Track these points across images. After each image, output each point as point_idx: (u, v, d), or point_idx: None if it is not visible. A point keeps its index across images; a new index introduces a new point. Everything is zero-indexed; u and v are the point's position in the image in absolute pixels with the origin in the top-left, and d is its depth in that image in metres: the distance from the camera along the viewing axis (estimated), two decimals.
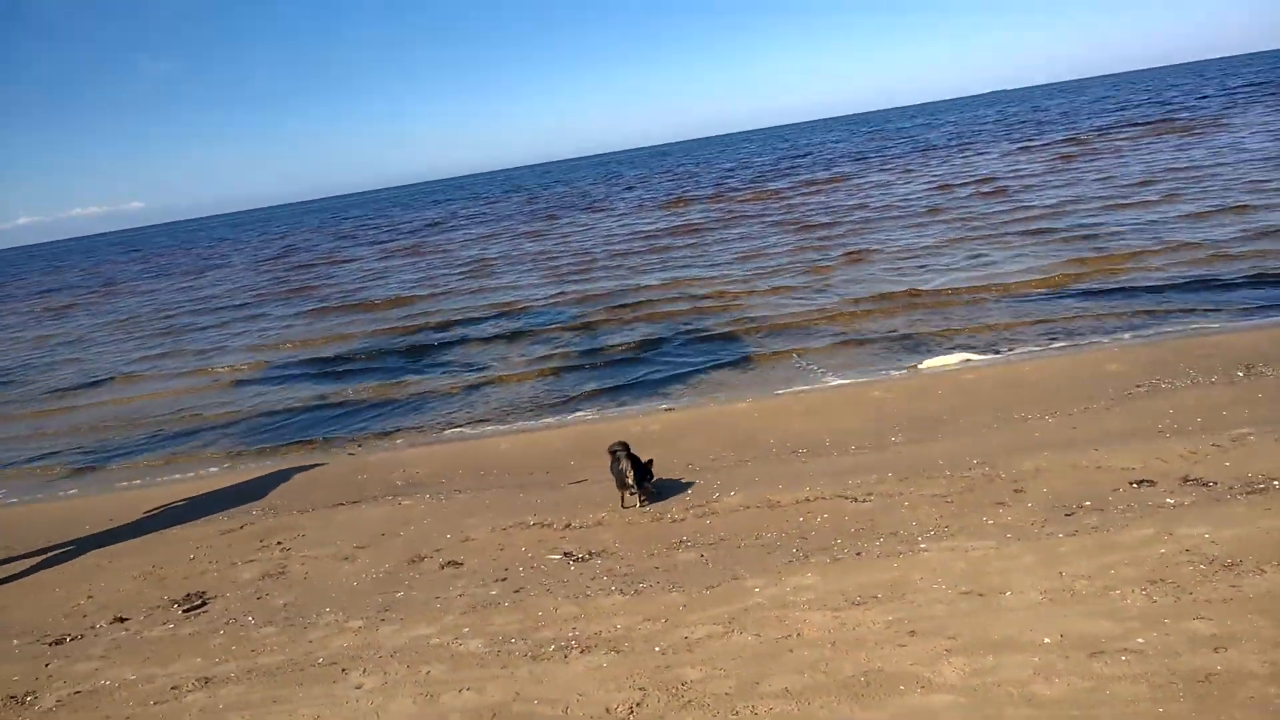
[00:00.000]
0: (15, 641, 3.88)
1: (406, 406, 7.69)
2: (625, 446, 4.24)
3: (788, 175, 30.71)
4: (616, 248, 16.74)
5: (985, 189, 17.32)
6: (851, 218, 15.92)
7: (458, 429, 6.83)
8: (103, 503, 6.21)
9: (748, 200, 23.82)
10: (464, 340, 10.15)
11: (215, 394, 9.46)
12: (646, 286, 11.59)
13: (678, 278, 11.92)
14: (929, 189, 19.20)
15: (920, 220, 14.48)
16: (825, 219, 16.30)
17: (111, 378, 11.34)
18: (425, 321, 11.69)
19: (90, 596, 4.32)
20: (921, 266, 10.46)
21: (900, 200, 17.83)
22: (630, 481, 4.24)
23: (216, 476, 6.45)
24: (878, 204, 17.75)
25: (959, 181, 19.66)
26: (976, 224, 13.14)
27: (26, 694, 3.31)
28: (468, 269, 16.90)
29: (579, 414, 6.61)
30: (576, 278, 13.56)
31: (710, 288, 10.90)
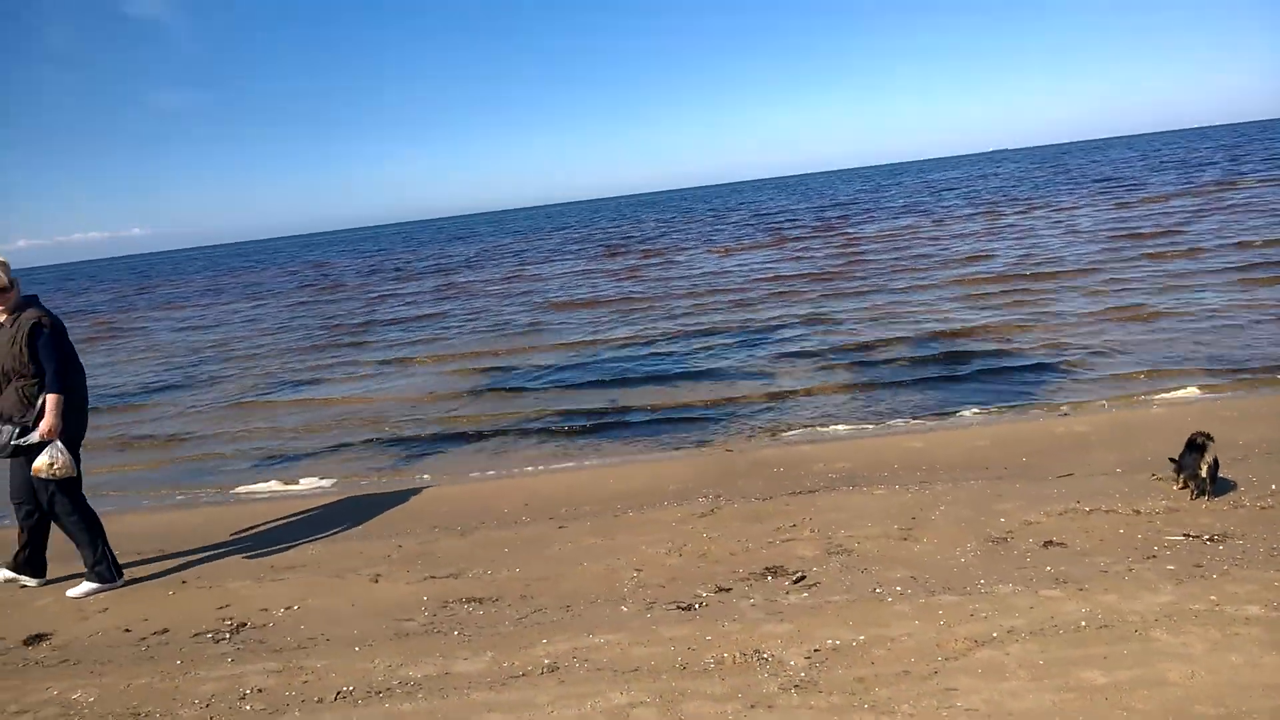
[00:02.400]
0: (625, 609, 3.73)
1: (720, 411, 7.59)
2: (1210, 438, 4.21)
3: (860, 221, 30.76)
4: (775, 286, 15.62)
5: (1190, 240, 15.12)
6: (1031, 266, 14.17)
7: (804, 429, 6.75)
8: (467, 489, 6.08)
9: (860, 242, 22.61)
10: (711, 356, 10.03)
11: (460, 398, 9.31)
12: (865, 317, 11.48)
13: (896, 310, 11.61)
14: (1111, 239, 16.67)
15: (1165, 272, 12.50)
16: (992, 268, 14.54)
17: (316, 380, 11.22)
18: (634, 338, 11.61)
19: (639, 570, 4.18)
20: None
21: (1070, 247, 16.02)
22: (1205, 475, 4.21)
23: (590, 468, 6.31)
24: (1032, 253, 15.91)
25: (1143, 230, 17.31)
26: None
27: (754, 651, 3.17)
28: (603, 304, 16.16)
29: (967, 415, 6.55)
30: (760, 306, 13.32)
31: (952, 322, 10.40)
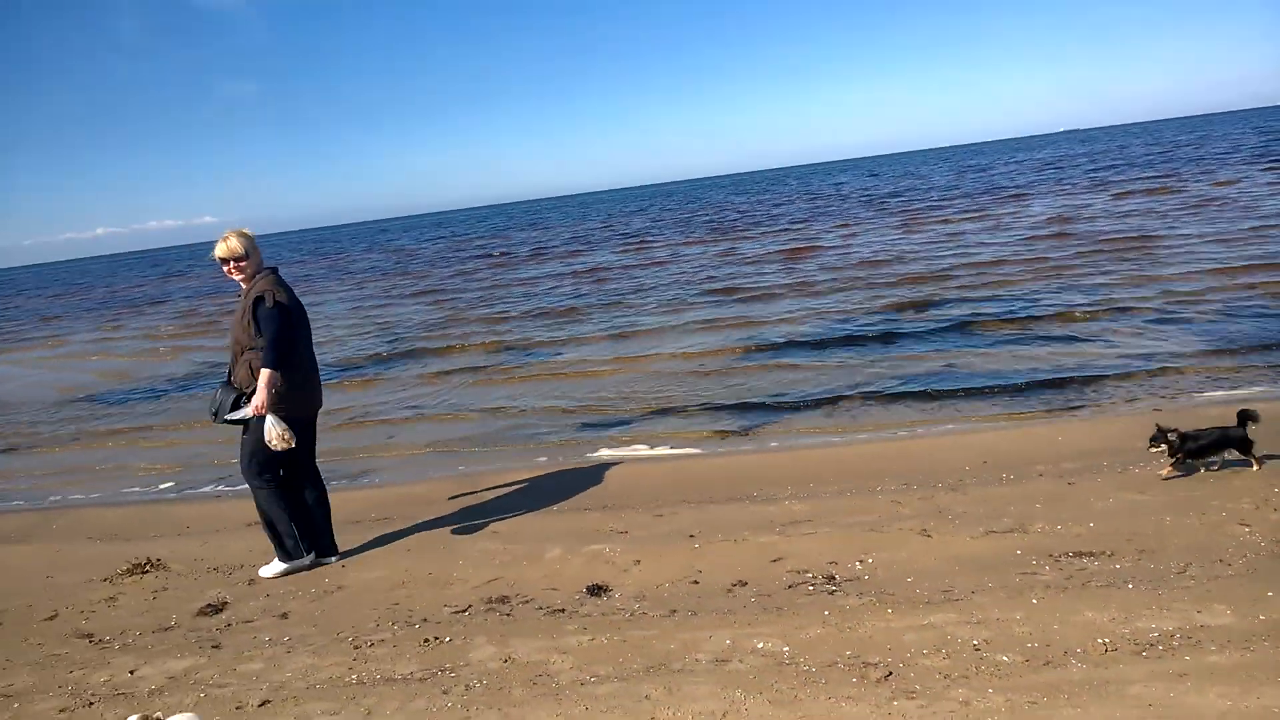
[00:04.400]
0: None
1: (1078, 375, 7.03)
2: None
3: (1008, 199, 27.56)
4: (983, 273, 13.55)
5: None
6: None
7: (1204, 392, 6.27)
8: (886, 448, 5.76)
9: (1048, 223, 18.81)
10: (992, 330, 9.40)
11: (741, 368, 8.98)
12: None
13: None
14: None
15: None
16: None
17: (555, 353, 11.09)
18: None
19: (1245, 525, 3.78)
20: None
21: None
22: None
23: (1020, 428, 5.92)
24: None
25: None
26: None
27: None
28: (799, 290, 14.21)
29: None
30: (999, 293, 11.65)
31: None
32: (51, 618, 4.37)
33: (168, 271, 58.54)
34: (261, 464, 4.45)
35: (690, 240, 27.74)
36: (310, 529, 4.65)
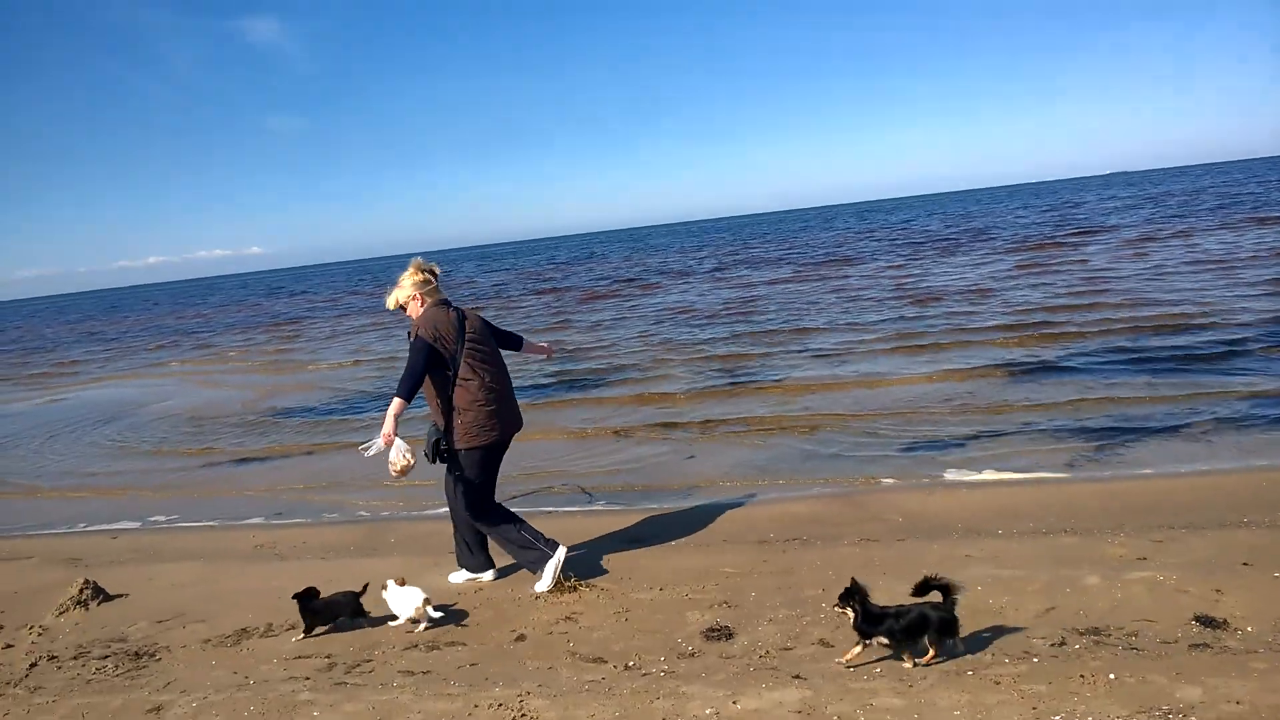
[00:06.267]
0: None
1: None
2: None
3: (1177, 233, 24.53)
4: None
5: None
6: None
7: None
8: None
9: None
10: None
11: (1031, 386, 8.51)
12: None
13: None
14: None
15: None
16: None
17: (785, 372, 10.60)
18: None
19: None
20: None
21: None
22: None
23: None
24: None
25: None
26: None
27: None
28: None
29: None
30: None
31: None
32: (520, 638, 3.91)
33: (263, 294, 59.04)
34: (473, 502, 4.48)
35: (782, 278, 25.71)
36: (485, 543, 4.68)
